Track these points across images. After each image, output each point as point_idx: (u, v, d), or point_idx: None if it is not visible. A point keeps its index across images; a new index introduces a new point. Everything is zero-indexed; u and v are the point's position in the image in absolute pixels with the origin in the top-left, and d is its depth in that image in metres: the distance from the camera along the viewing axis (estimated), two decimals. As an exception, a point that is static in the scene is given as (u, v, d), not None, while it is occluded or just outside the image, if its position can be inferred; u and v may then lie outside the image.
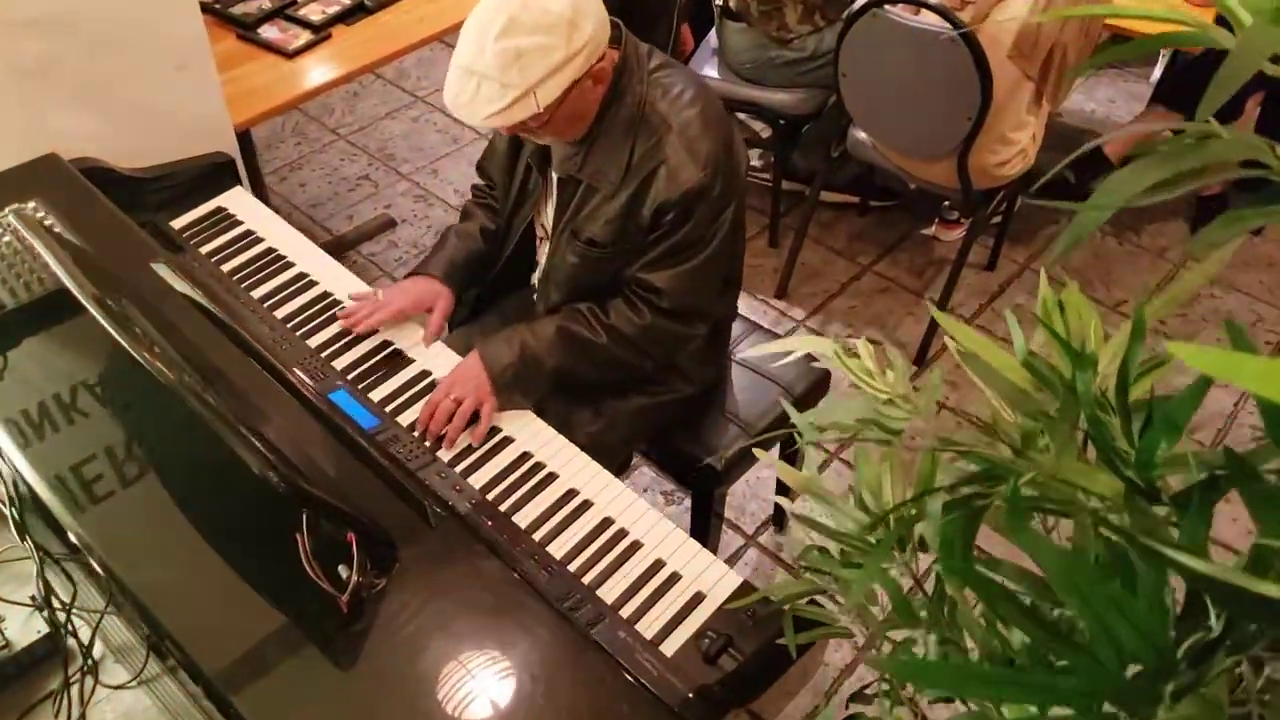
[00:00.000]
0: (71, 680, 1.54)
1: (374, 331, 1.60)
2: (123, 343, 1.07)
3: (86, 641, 1.49)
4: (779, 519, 2.28)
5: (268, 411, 1.29)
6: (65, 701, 1.53)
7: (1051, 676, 0.47)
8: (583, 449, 1.58)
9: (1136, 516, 0.50)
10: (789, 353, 1.90)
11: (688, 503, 2.30)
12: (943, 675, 0.52)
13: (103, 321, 1.09)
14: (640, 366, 1.63)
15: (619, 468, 1.78)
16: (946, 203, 2.95)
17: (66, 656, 1.63)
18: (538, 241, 1.72)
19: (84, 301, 1.13)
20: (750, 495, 2.34)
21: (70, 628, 1.51)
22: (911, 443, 0.65)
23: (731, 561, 2.22)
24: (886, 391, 0.63)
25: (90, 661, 1.52)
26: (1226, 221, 0.43)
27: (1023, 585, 0.69)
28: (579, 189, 1.52)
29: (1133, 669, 0.42)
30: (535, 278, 1.75)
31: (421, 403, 1.49)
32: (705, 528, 1.88)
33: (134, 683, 1.43)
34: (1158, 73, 3.63)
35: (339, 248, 2.97)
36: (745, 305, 2.22)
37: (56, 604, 1.50)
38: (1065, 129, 3.44)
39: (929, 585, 0.75)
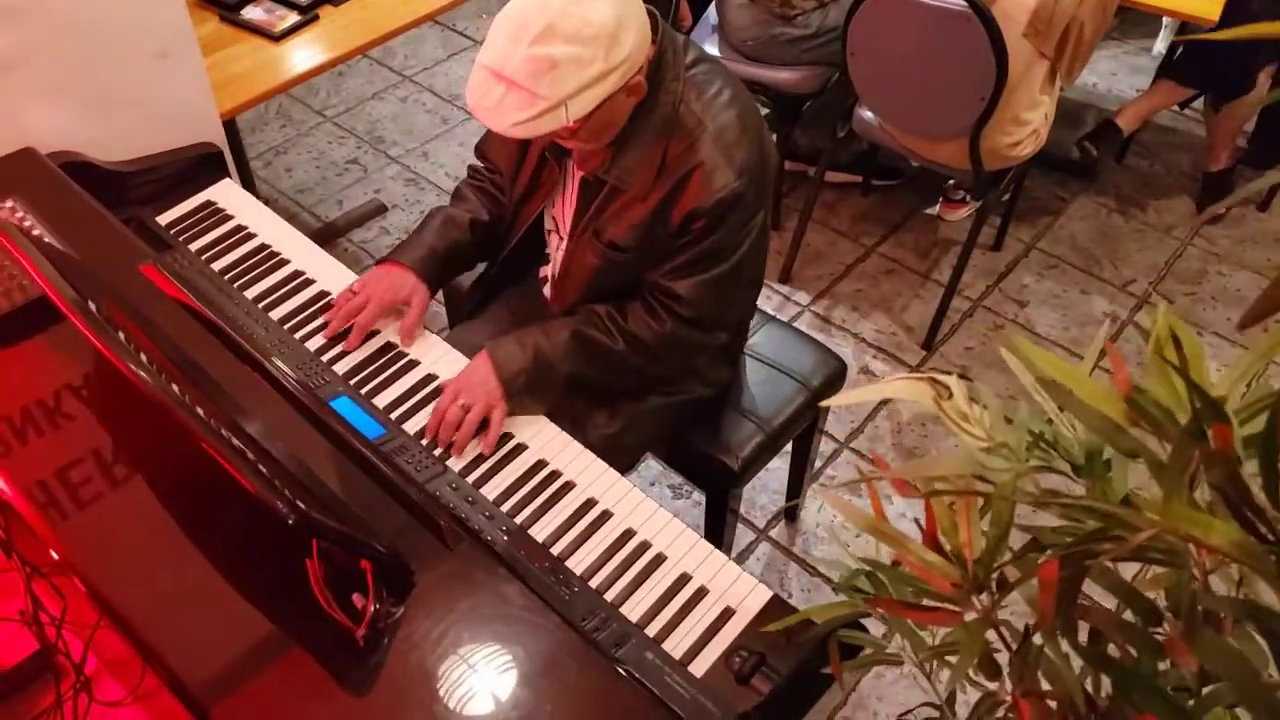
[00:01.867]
0: (64, 698, 1.48)
1: (375, 332, 1.53)
2: (116, 360, 0.99)
3: (79, 658, 1.43)
4: (791, 512, 2.22)
5: (270, 425, 1.21)
6: (60, 720, 1.47)
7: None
8: (596, 450, 1.52)
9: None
10: (803, 343, 1.84)
11: (696, 496, 2.25)
12: None
13: (92, 337, 1.01)
14: (656, 372, 1.57)
15: (628, 464, 1.72)
16: (951, 181, 2.89)
17: (59, 673, 1.57)
18: (547, 234, 1.64)
19: (72, 317, 1.05)
20: (760, 488, 2.29)
21: (62, 643, 1.45)
22: (993, 489, 0.59)
23: (744, 557, 2.18)
24: (985, 439, 0.57)
25: (83, 678, 1.45)
26: None
27: (1119, 635, 0.63)
28: (603, 188, 1.44)
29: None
30: (547, 272, 1.67)
31: (429, 409, 1.43)
32: (720, 526, 1.83)
33: (130, 699, 1.38)
34: (1159, 45, 3.57)
35: (329, 235, 2.88)
36: (753, 293, 2.16)
37: (46, 619, 1.44)
38: (1066, 103, 3.37)
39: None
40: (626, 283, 1.51)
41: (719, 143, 1.36)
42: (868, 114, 2.43)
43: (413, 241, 1.62)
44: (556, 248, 1.61)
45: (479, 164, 1.72)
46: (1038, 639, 0.62)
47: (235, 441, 0.97)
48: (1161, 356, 0.54)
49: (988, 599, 0.67)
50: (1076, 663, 0.67)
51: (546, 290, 1.68)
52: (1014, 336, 0.68)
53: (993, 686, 0.66)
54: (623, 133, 1.38)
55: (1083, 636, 0.66)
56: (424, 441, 1.38)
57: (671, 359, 1.57)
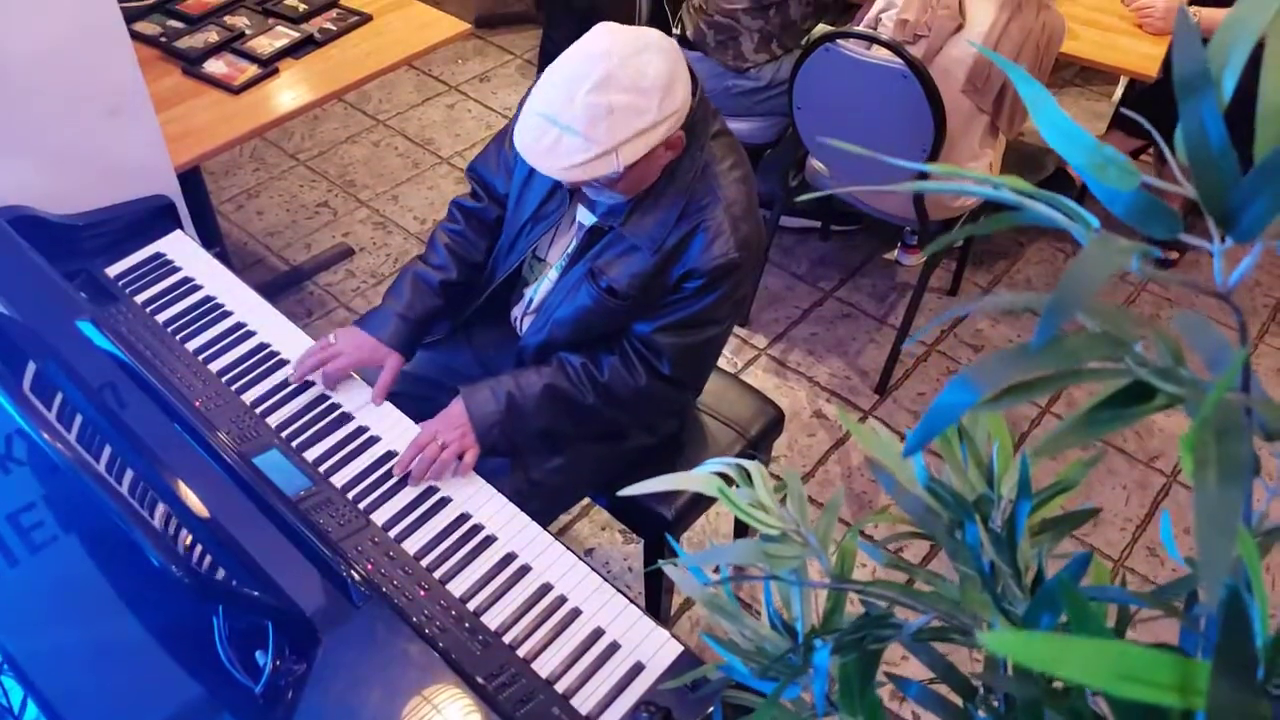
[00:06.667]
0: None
1: (309, 384, 1.56)
2: (25, 426, 1.03)
3: (17, 704, 1.45)
4: (738, 557, 2.24)
5: (191, 481, 1.24)
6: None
7: None
8: (534, 491, 1.56)
9: (1022, 680, 0.48)
10: (743, 392, 1.88)
11: (646, 540, 2.27)
12: None
13: (3, 401, 1.04)
14: (624, 423, 1.62)
15: (563, 508, 1.75)
16: (908, 227, 2.94)
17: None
18: (528, 264, 1.65)
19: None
20: (710, 532, 2.31)
21: (2, 690, 1.47)
22: (812, 578, 0.62)
23: (691, 601, 2.20)
24: (779, 526, 0.60)
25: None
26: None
27: (934, 709, 0.66)
28: (608, 233, 1.48)
29: None
30: (520, 312, 1.68)
31: (357, 460, 1.46)
32: (660, 572, 1.86)
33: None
34: (1119, 92, 3.64)
35: (295, 279, 2.92)
36: (702, 340, 2.19)
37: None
38: (1026, 148, 3.43)
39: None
40: (610, 329, 1.55)
41: (728, 212, 1.43)
42: (818, 164, 2.48)
43: (383, 311, 1.63)
44: (538, 276, 1.63)
45: (463, 195, 1.72)
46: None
47: (140, 508, 1.00)
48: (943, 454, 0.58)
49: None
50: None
51: (521, 322, 1.69)
52: (856, 425, 0.71)
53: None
54: (646, 189, 1.43)
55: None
56: (396, 473, 1.43)
57: (642, 413, 1.63)
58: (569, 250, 1.56)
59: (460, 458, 1.46)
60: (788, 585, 0.72)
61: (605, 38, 1.32)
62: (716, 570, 2.16)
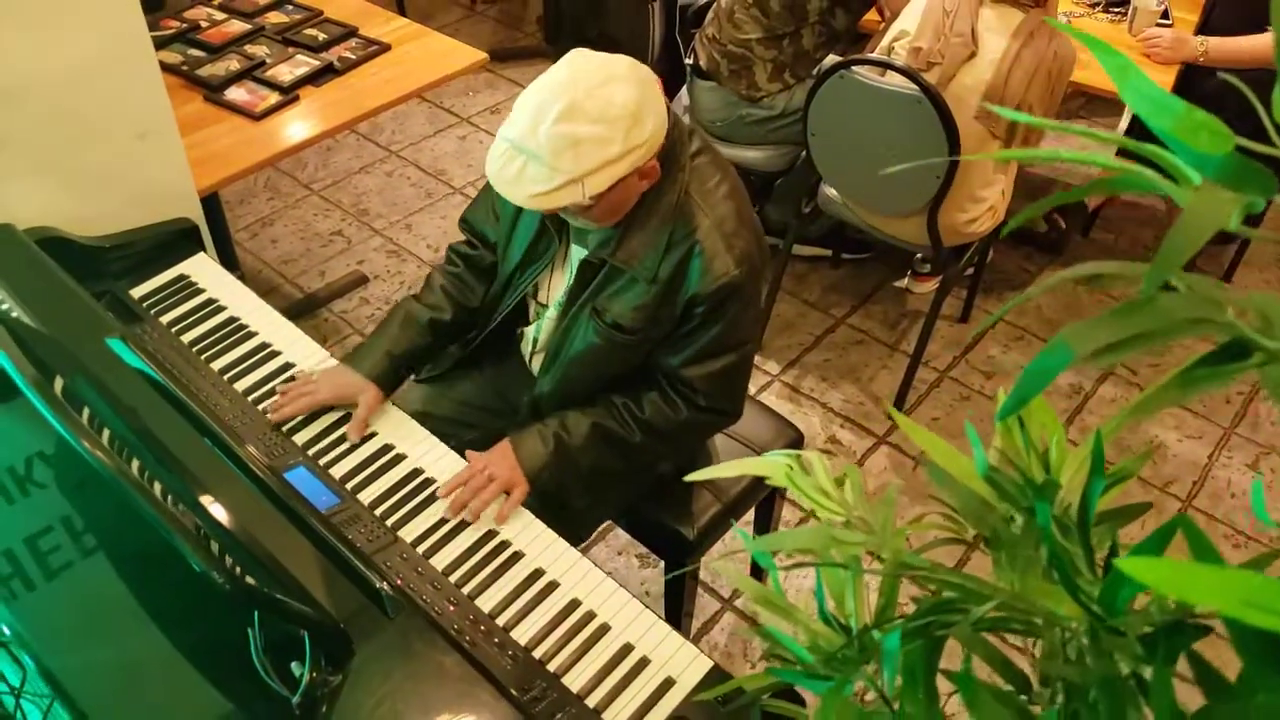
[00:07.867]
0: (22, 769, 1.48)
1: (329, 408, 1.56)
2: (65, 434, 1.03)
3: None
4: (756, 579, 2.23)
5: (221, 495, 1.24)
6: (15, 792, 1.47)
7: None
8: (556, 516, 1.55)
9: (1098, 659, 0.48)
10: (762, 414, 1.88)
11: (664, 564, 2.26)
12: None
13: (43, 410, 1.05)
14: (670, 455, 1.63)
15: (588, 532, 1.75)
16: (919, 255, 2.96)
17: (17, 744, 1.57)
18: (531, 306, 1.66)
19: (24, 387, 1.09)
20: (729, 557, 2.30)
21: (21, 714, 1.46)
22: (869, 564, 0.63)
23: (708, 626, 2.19)
24: (842, 513, 0.60)
25: (41, 748, 1.46)
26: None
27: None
28: (603, 268, 1.47)
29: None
30: (528, 350, 1.69)
31: (384, 478, 1.46)
32: (679, 596, 1.85)
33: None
34: (1123, 123, 3.68)
35: (310, 306, 2.94)
36: (718, 364, 2.20)
37: (5, 688, 1.45)
38: (1034, 178, 3.47)
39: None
40: (629, 365, 1.54)
41: (719, 231, 1.41)
42: (832, 191, 2.50)
43: (370, 346, 1.62)
44: (539, 315, 1.64)
45: (459, 243, 1.72)
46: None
47: (179, 515, 1.00)
48: (1001, 435, 0.59)
49: (874, 666, 0.70)
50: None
51: (530, 361, 1.70)
52: (906, 420, 0.72)
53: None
54: (630, 216, 1.42)
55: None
56: (441, 494, 1.43)
57: (687, 442, 1.65)
58: (566, 288, 1.56)
59: (507, 495, 1.45)
60: (839, 582, 0.72)
61: (573, 66, 1.31)
62: (735, 591, 2.14)
